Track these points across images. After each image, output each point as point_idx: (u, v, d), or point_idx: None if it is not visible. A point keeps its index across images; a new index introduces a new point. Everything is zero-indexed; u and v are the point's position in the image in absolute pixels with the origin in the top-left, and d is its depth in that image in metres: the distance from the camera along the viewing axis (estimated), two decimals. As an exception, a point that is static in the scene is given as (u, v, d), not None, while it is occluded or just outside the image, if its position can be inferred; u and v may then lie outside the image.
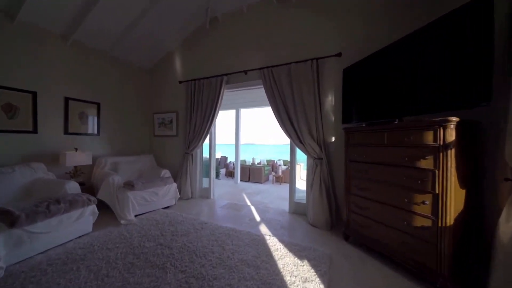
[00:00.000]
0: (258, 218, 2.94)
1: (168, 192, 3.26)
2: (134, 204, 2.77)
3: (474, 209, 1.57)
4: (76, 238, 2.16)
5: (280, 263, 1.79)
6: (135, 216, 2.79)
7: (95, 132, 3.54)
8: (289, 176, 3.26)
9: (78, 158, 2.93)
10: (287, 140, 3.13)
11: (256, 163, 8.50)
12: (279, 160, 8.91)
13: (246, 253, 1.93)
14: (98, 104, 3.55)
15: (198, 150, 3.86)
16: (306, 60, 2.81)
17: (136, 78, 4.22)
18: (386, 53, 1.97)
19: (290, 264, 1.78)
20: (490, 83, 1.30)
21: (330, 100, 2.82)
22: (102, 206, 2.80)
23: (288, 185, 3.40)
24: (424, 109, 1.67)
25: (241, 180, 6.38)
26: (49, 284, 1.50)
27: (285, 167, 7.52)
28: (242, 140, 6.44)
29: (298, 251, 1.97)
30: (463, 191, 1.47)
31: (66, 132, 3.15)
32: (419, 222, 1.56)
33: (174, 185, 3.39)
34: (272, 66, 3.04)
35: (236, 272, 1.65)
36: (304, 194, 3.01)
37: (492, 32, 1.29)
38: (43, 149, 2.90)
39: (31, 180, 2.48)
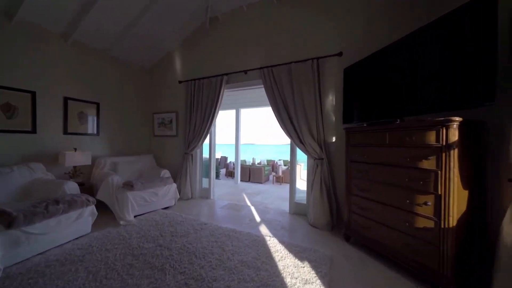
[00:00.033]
0: (258, 219, 2.92)
1: (168, 192, 3.25)
2: (133, 204, 2.76)
3: (477, 209, 1.55)
4: (74, 239, 2.14)
5: (280, 265, 1.77)
6: (135, 216, 2.77)
7: (95, 132, 3.53)
8: (290, 177, 3.24)
9: (77, 158, 2.91)
10: (287, 140, 3.12)
11: (256, 163, 8.47)
12: (279, 160, 8.88)
13: (246, 254, 1.92)
14: (98, 104, 3.54)
15: (198, 150, 3.85)
16: (307, 60, 2.79)
17: (136, 78, 4.21)
18: (387, 52, 1.95)
19: (291, 265, 1.76)
20: (494, 82, 1.28)
21: (331, 100, 2.81)
22: (102, 207, 2.77)
23: (288, 185, 3.38)
24: (426, 109, 1.65)
25: (241, 180, 6.37)
26: (46, 286, 1.48)
27: (285, 167, 7.50)
28: (242, 140, 6.42)
29: (299, 252, 1.95)
30: (466, 192, 1.45)
31: (65, 132, 3.14)
32: (421, 223, 1.54)
33: (174, 185, 3.37)
34: (272, 66, 3.02)
35: (236, 274, 1.63)
36: (305, 195, 2.99)
37: (495, 31, 1.27)
38: (42, 149, 2.89)
39: (30, 180, 2.46)
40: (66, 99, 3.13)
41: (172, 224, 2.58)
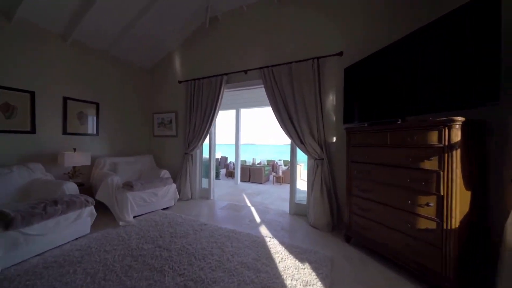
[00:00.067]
0: (258, 219, 2.90)
1: (168, 193, 3.23)
2: (133, 205, 2.74)
3: (480, 209, 1.53)
4: (73, 240, 2.13)
5: (280, 266, 1.75)
6: (134, 217, 2.76)
7: (94, 132, 3.51)
8: (290, 177, 3.22)
9: (77, 158, 2.90)
10: (287, 140, 3.10)
11: (256, 163, 8.46)
12: (280, 160, 8.87)
13: (246, 255, 1.90)
14: (97, 104, 3.52)
15: (198, 151, 3.83)
16: (307, 59, 2.78)
17: (137, 78, 4.20)
18: (387, 52, 1.93)
19: (291, 267, 1.74)
20: (498, 82, 1.26)
21: (331, 100, 2.79)
22: (101, 207, 2.76)
23: (288, 185, 3.37)
24: (428, 109, 1.63)
25: (241, 181, 6.35)
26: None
27: (286, 167, 7.48)
28: (242, 140, 6.41)
29: (299, 254, 1.94)
30: (469, 193, 1.43)
31: (64, 132, 3.12)
32: (423, 224, 1.52)
33: (174, 185, 3.36)
34: (273, 66, 3.01)
35: (235, 276, 1.61)
36: (305, 195, 2.98)
37: (499, 30, 1.25)
38: (42, 150, 2.88)
39: (29, 180, 2.45)
40: (65, 99, 3.11)
41: (171, 224, 2.56)
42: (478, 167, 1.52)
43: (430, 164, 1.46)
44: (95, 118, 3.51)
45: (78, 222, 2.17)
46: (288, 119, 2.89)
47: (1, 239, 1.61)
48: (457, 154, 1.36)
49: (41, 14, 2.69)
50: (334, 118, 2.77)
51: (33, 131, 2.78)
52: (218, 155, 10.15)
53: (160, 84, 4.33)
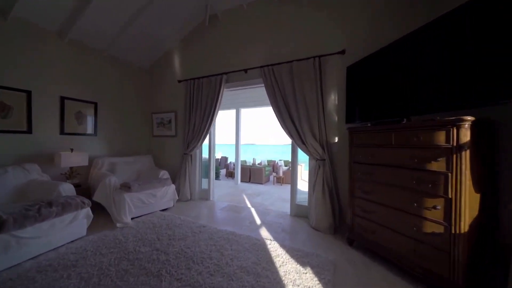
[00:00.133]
0: (258, 221, 2.85)
1: (166, 193, 3.18)
2: (130, 206, 2.69)
3: (490, 209, 1.47)
4: (69, 243, 2.08)
5: (281, 271, 1.70)
6: (132, 218, 2.70)
7: (93, 132, 3.46)
8: (291, 178, 3.16)
9: (74, 159, 2.85)
10: (288, 140, 3.04)
11: (256, 163, 8.40)
12: (280, 160, 8.80)
13: (246, 259, 1.84)
14: (96, 104, 3.47)
15: (198, 151, 3.78)
16: (308, 58, 2.72)
17: (136, 78, 4.15)
18: (392, 50, 1.87)
19: (292, 271, 1.69)
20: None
21: (333, 99, 2.73)
22: (98, 208, 2.72)
23: (289, 186, 3.31)
24: (435, 108, 1.56)
25: (241, 181, 6.30)
26: (36, 293, 1.41)
27: (286, 167, 7.42)
28: (242, 140, 6.35)
29: (301, 257, 1.88)
30: (478, 195, 1.38)
31: (62, 132, 3.07)
32: (430, 228, 1.46)
33: (172, 186, 3.30)
34: (273, 64, 2.95)
35: (235, 281, 1.56)
36: (306, 196, 2.92)
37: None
38: (38, 150, 2.83)
39: (24, 181, 2.40)
40: (62, 99, 3.06)
41: (170, 226, 2.51)
42: (488, 168, 1.46)
43: (438, 166, 1.40)
44: (93, 118, 3.46)
45: (74, 224, 2.12)
46: (288, 118, 2.84)
47: (-7, 243, 1.56)
48: (466, 155, 1.30)
49: (37, 11, 2.64)
50: (336, 118, 2.71)
51: (29, 131, 2.73)
52: (218, 155, 10.09)
53: (159, 83, 4.28)
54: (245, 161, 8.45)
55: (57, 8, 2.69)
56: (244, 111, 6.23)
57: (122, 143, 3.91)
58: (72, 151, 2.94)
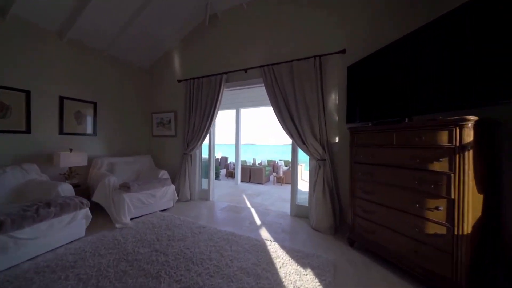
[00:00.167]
0: (258, 221, 2.83)
1: (166, 194, 3.16)
2: (129, 206, 2.67)
3: (492, 209, 1.46)
4: (67, 244, 2.06)
5: (281, 272, 1.68)
6: (131, 219, 2.69)
7: (92, 132, 3.45)
8: (291, 178, 3.15)
9: (73, 159, 2.83)
10: (288, 140, 3.03)
11: (256, 163, 8.39)
12: (280, 160, 8.79)
13: (246, 260, 1.82)
14: (95, 104, 3.46)
15: (197, 151, 3.76)
16: (309, 58, 2.70)
17: (136, 78, 4.13)
18: (393, 49, 1.85)
19: (293, 273, 1.67)
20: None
21: (334, 99, 2.71)
22: (97, 209, 2.70)
23: (289, 186, 3.29)
24: (436, 107, 1.54)
25: (241, 181, 6.28)
26: (34, 294, 1.40)
27: (286, 167, 7.40)
28: (242, 140, 6.34)
29: (301, 258, 1.86)
30: (481, 196, 1.36)
31: (61, 132, 3.06)
32: (432, 229, 1.44)
33: (172, 186, 3.29)
34: (273, 64, 2.93)
35: (235, 282, 1.54)
36: (306, 196, 2.90)
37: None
38: (37, 150, 2.81)
39: (23, 181, 2.38)
40: (61, 98, 3.05)
41: (169, 227, 2.49)
42: (490, 168, 1.44)
43: (440, 166, 1.38)
44: (92, 118, 3.44)
45: (73, 224, 2.10)
46: (289, 118, 2.82)
47: (-10, 244, 1.54)
48: (469, 155, 1.28)
49: (37, 11, 2.62)
50: (337, 118, 2.70)
51: (28, 131, 2.72)
52: (218, 155, 10.08)
53: (159, 83, 4.27)
54: (245, 161, 8.43)
55: (56, 7, 2.68)
56: (244, 111, 6.22)
57: (121, 143, 3.89)
58: (71, 151, 2.92)
